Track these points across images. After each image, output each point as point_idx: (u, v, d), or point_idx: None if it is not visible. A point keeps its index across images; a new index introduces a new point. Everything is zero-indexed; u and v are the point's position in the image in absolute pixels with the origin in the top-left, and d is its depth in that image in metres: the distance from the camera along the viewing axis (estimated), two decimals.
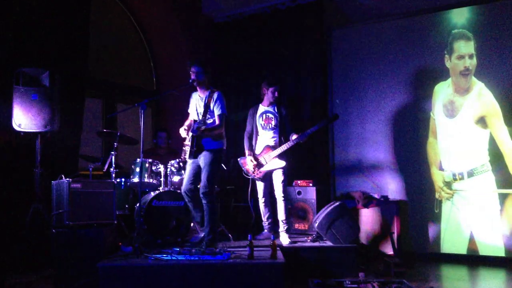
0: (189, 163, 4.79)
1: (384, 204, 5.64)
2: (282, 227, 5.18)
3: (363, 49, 6.42)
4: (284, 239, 5.06)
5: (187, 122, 4.90)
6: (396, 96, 6.14)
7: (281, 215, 5.21)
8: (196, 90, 4.90)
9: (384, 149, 6.19)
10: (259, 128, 5.35)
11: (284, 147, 5.14)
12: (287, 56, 6.88)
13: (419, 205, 5.86)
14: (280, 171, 5.19)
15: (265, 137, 5.30)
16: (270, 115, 5.32)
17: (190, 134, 4.68)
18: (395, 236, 5.41)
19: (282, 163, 5.16)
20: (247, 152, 5.37)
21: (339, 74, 6.61)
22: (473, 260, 5.38)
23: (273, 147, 5.22)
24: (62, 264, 4.24)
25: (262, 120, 5.33)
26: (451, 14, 5.85)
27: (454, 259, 5.50)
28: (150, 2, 7.00)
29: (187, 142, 4.74)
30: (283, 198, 5.19)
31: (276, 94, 5.28)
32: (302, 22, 6.78)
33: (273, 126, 5.29)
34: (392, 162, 6.11)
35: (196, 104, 4.87)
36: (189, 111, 4.98)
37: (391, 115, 6.17)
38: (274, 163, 5.19)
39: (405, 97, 6.10)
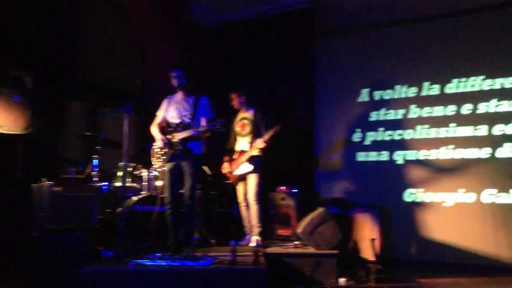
0: (169, 167, 4.71)
1: (366, 211, 5.67)
2: (254, 231, 5.24)
3: (349, 57, 6.48)
4: (254, 241, 5.09)
5: (156, 121, 4.83)
6: (381, 103, 6.20)
7: (253, 218, 5.26)
8: (173, 94, 4.87)
9: (368, 156, 6.24)
10: (237, 134, 5.47)
11: (249, 152, 5.24)
12: (274, 62, 6.91)
13: (401, 211, 5.90)
14: (254, 176, 5.27)
15: (242, 143, 5.42)
16: (246, 121, 5.43)
17: (170, 136, 4.62)
18: (377, 242, 5.45)
19: (251, 167, 5.24)
20: (224, 158, 5.51)
21: (324, 81, 6.65)
22: (455, 268, 5.42)
23: (245, 152, 5.32)
24: (43, 268, 4.18)
25: (239, 127, 5.47)
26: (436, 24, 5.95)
27: (436, 267, 5.54)
28: (139, 6, 6.97)
29: (160, 145, 4.67)
30: (254, 202, 5.24)
31: (241, 100, 5.42)
32: (289, 29, 6.82)
33: (247, 132, 5.38)
34: (376, 169, 6.16)
35: (178, 107, 4.80)
36: (160, 113, 4.90)
37: (375, 124, 6.22)
38: (244, 168, 5.28)
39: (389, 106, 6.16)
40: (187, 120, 4.71)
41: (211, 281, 3.98)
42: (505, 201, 5.36)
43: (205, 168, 5.74)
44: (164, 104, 4.91)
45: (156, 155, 4.79)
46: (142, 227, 5.03)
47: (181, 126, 4.68)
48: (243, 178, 5.37)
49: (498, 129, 5.48)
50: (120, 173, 5.38)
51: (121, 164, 5.33)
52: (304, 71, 6.75)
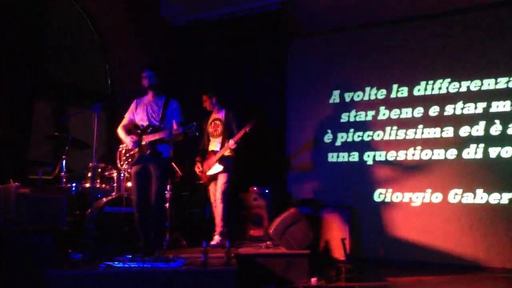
0: (137, 170, 4.65)
1: (337, 211, 5.74)
2: (217, 230, 5.27)
3: (320, 59, 6.55)
4: (215, 241, 5.15)
5: (123, 123, 4.79)
6: (351, 105, 6.29)
7: (217, 218, 5.29)
8: (142, 95, 4.83)
9: (339, 157, 6.32)
10: (210, 135, 5.51)
11: (220, 153, 5.28)
12: (245, 63, 6.92)
13: (371, 211, 6.01)
14: (223, 175, 5.30)
15: (214, 143, 5.46)
16: (218, 122, 5.47)
17: (139, 138, 4.60)
18: (347, 242, 5.53)
19: (221, 168, 5.28)
20: (197, 158, 5.53)
21: (296, 83, 6.70)
22: (422, 267, 5.54)
23: (216, 153, 5.36)
24: (10, 271, 4.08)
25: (211, 128, 5.51)
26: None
27: (404, 265, 5.65)
28: (107, 4, 6.86)
29: (130, 147, 4.63)
30: (220, 201, 5.27)
31: (212, 101, 5.47)
32: (261, 30, 6.84)
33: (219, 133, 5.43)
34: (347, 170, 6.24)
35: (146, 109, 4.74)
36: (128, 115, 4.84)
37: (346, 124, 6.31)
38: (215, 168, 5.31)
39: (359, 108, 6.26)
40: (155, 122, 4.66)
41: (182, 283, 3.96)
42: (470, 201, 5.52)
43: (176, 169, 5.71)
44: (132, 106, 4.85)
45: (123, 157, 4.73)
46: (112, 228, 4.97)
47: (150, 129, 4.63)
48: (214, 178, 5.39)
49: (464, 131, 5.63)
50: (89, 174, 5.29)
51: (91, 164, 5.24)
52: (276, 72, 6.78)
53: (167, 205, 5.39)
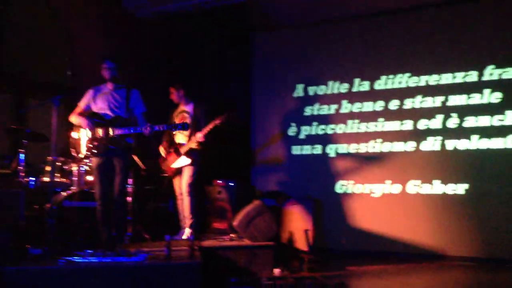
0: (100, 162, 4.60)
1: (301, 202, 5.81)
2: (187, 223, 5.27)
3: (285, 53, 6.58)
4: (186, 234, 5.17)
5: (77, 111, 4.71)
6: (314, 98, 6.36)
7: (185, 211, 5.29)
8: (99, 85, 4.77)
9: (302, 150, 6.39)
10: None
11: (187, 145, 5.26)
12: (210, 56, 6.89)
13: (333, 203, 6.11)
14: (189, 168, 5.28)
15: (180, 136, 5.41)
16: (185, 115, 5.44)
17: (104, 130, 4.53)
18: (310, 233, 5.60)
19: (188, 161, 5.26)
20: (161, 150, 5.48)
21: (261, 76, 6.73)
22: (382, 256, 5.69)
23: (183, 145, 5.33)
24: None
25: (177, 120, 5.46)
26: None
27: (365, 255, 5.78)
28: None
29: (92, 137, 4.56)
30: (187, 194, 5.26)
31: (179, 94, 5.44)
32: (225, 23, 6.81)
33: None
34: (310, 162, 6.32)
35: (107, 98, 4.69)
36: (83, 104, 4.76)
37: (310, 117, 6.38)
38: (181, 161, 5.28)
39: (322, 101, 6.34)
40: (122, 114, 4.62)
41: (145, 277, 3.91)
42: (428, 191, 5.69)
43: (139, 162, 5.64)
44: (89, 95, 4.77)
45: (86, 146, 4.63)
46: (72, 223, 4.88)
47: (119, 121, 4.57)
48: (180, 171, 5.37)
49: (423, 124, 5.79)
50: (48, 168, 5.17)
51: (50, 158, 5.12)
52: (241, 65, 6.79)
53: (130, 199, 5.32)
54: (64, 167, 5.28)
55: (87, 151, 4.61)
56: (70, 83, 7.16)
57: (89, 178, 5.30)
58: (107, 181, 4.61)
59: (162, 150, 5.50)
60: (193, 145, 5.26)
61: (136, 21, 7.29)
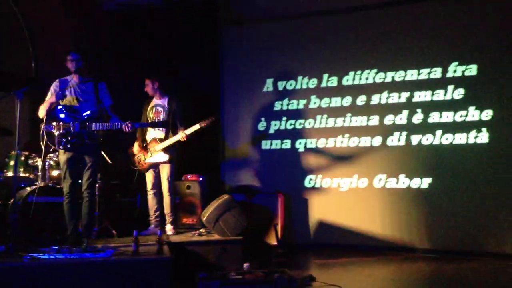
0: (69, 156, 4.54)
1: (270, 197, 5.86)
2: (167, 220, 5.28)
3: (255, 47, 6.58)
4: (169, 230, 5.20)
5: (46, 104, 4.60)
6: (283, 94, 6.40)
7: (167, 209, 5.30)
8: (66, 77, 4.70)
9: (271, 144, 6.42)
10: (149, 121, 5.36)
11: (167, 142, 5.20)
12: (179, 50, 6.83)
13: (302, 197, 6.17)
14: (167, 166, 5.24)
15: (155, 130, 5.31)
16: (160, 109, 5.37)
17: (76, 124, 4.47)
18: (279, 227, 5.66)
19: (166, 157, 5.21)
20: (135, 143, 5.39)
21: (230, 70, 6.71)
22: (350, 249, 5.78)
23: (160, 140, 5.26)
24: None
25: (152, 114, 5.38)
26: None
27: (333, 248, 5.86)
28: None
29: (65, 131, 4.48)
30: (169, 194, 5.27)
31: (154, 86, 5.35)
32: (195, 16, 6.76)
33: (161, 120, 5.31)
34: (279, 157, 6.36)
35: (75, 91, 4.63)
36: (51, 97, 4.66)
37: (279, 112, 6.41)
38: (158, 156, 5.22)
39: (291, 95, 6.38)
40: (94, 107, 4.58)
41: (112, 273, 3.88)
42: (394, 185, 5.82)
43: (106, 157, 5.56)
44: (55, 87, 4.68)
45: (59, 139, 4.50)
46: (37, 219, 4.78)
47: (94, 116, 4.53)
48: (153, 166, 5.31)
49: (388, 119, 5.91)
50: (11, 163, 5.04)
51: (13, 152, 4.99)
52: (211, 60, 6.76)
53: (96, 193, 5.24)
54: (29, 161, 5.16)
55: (59, 145, 4.48)
56: (34, 75, 6.97)
57: (54, 173, 5.19)
58: (76, 176, 4.57)
59: (137, 145, 5.39)
60: (172, 141, 5.20)
61: (104, 14, 7.16)
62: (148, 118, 5.37)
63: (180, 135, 5.14)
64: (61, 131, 4.47)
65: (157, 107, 5.37)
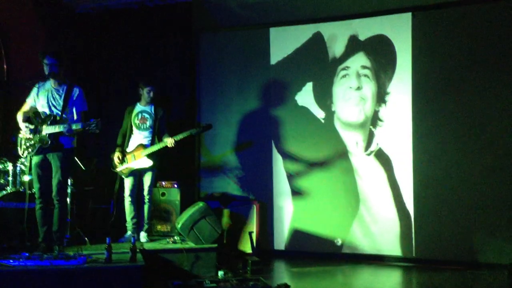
0: (37, 160, 4.49)
1: (245, 205, 5.85)
2: (144, 227, 5.29)
3: (230, 54, 6.58)
4: (143, 237, 5.19)
5: (24, 109, 4.60)
6: (261, 101, 6.41)
7: (145, 215, 5.32)
8: (44, 81, 4.64)
9: (247, 152, 6.41)
10: (134, 127, 5.37)
11: (154, 148, 5.22)
12: (155, 55, 6.80)
13: (277, 205, 6.18)
14: (151, 173, 5.27)
15: (139, 136, 5.33)
16: (146, 115, 5.37)
17: (39, 128, 4.42)
18: (254, 235, 5.65)
19: (150, 163, 5.20)
20: (116, 148, 5.35)
21: (206, 77, 6.69)
22: (324, 257, 5.79)
23: (145, 147, 5.26)
24: None
25: (137, 120, 5.38)
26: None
27: (308, 256, 5.87)
28: None
29: (28, 135, 4.44)
30: (149, 201, 5.30)
31: (151, 94, 5.35)
32: (170, 22, 6.75)
33: (147, 126, 5.34)
34: (255, 164, 6.36)
35: (49, 96, 4.58)
36: (29, 100, 4.64)
37: (256, 118, 6.41)
38: (142, 162, 5.20)
39: (269, 102, 6.39)
40: (56, 111, 4.53)
41: (84, 281, 3.83)
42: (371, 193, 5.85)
43: (79, 162, 5.47)
44: (34, 91, 4.63)
45: (23, 146, 4.47)
46: (7, 225, 4.69)
47: (51, 119, 4.47)
48: (134, 172, 5.28)
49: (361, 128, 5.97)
50: None
51: None
52: (187, 67, 6.74)
53: (68, 200, 5.15)
54: None
55: (24, 150, 4.50)
56: (5, 78, 6.82)
57: (25, 178, 5.07)
58: (45, 181, 4.50)
59: (118, 151, 5.32)
60: (157, 148, 5.21)
61: (77, 17, 7.08)
62: (133, 124, 5.35)
63: (169, 141, 5.14)
64: (26, 136, 4.49)
65: (143, 113, 5.37)
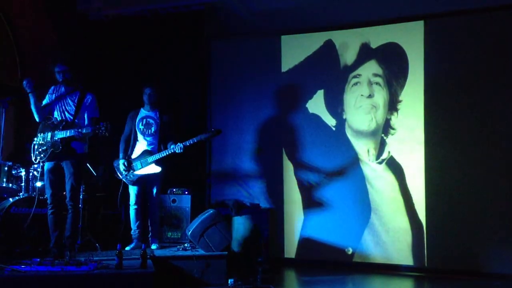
0: (50, 166, 4.53)
1: (255, 212, 5.83)
2: (153, 234, 5.24)
3: (242, 62, 6.60)
4: (153, 244, 5.15)
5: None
6: (272, 108, 6.42)
7: (152, 222, 5.26)
8: (57, 85, 4.71)
9: (259, 159, 6.41)
10: (138, 133, 5.30)
11: (161, 154, 5.15)
12: (166, 62, 6.83)
13: (288, 213, 6.16)
14: (158, 180, 5.24)
15: (144, 142, 5.26)
16: (151, 121, 5.30)
17: (49, 133, 4.47)
18: (264, 243, 5.62)
19: (158, 169, 5.16)
20: (120, 155, 5.27)
21: (218, 84, 6.71)
22: (340, 266, 5.71)
23: (151, 153, 5.19)
24: None
25: (142, 125, 5.30)
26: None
27: (321, 265, 5.82)
28: None
29: (41, 141, 4.49)
30: (157, 208, 5.28)
31: (150, 96, 5.28)
32: (182, 30, 6.80)
33: (152, 132, 5.27)
34: (266, 172, 6.35)
35: (61, 101, 4.65)
36: (43, 102, 4.70)
37: (267, 126, 6.42)
38: (149, 168, 5.16)
39: (280, 109, 6.40)
40: (69, 117, 4.58)
41: (94, 287, 3.82)
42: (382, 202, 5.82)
43: (91, 169, 5.50)
44: (49, 96, 4.70)
45: (35, 152, 4.53)
46: (20, 231, 4.69)
47: (62, 124, 4.52)
48: (140, 180, 5.21)
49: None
50: None
51: None
52: (199, 73, 6.77)
53: (80, 206, 5.17)
54: (12, 172, 5.09)
55: (37, 155, 4.52)
56: (20, 84, 6.91)
57: (38, 184, 5.12)
58: (58, 186, 4.53)
59: (123, 158, 5.26)
60: (165, 154, 5.13)
61: (90, 24, 7.16)
62: (137, 130, 5.28)
63: (178, 147, 5.06)
64: (38, 142, 4.53)
65: (148, 118, 5.29)
